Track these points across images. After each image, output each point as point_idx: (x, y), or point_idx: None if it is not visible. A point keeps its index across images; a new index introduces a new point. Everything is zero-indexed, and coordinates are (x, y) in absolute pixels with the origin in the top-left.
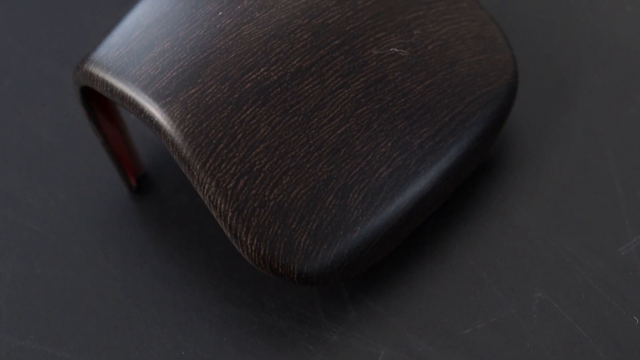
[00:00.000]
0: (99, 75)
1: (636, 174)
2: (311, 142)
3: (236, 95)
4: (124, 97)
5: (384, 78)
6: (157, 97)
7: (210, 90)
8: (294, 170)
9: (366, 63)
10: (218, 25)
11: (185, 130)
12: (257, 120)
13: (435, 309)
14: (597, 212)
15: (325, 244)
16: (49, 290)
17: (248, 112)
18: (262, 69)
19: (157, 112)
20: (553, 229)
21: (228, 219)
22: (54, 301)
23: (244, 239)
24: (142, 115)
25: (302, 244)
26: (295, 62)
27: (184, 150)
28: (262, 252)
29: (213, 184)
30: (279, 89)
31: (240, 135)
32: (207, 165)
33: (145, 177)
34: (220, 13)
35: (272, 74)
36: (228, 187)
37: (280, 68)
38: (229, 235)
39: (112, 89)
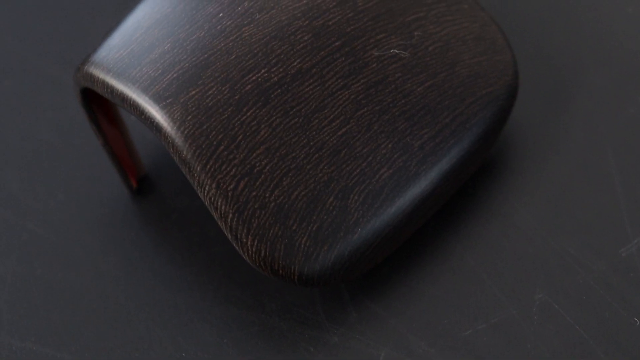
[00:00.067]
0: (100, 77)
1: (637, 174)
2: (312, 143)
3: (237, 97)
4: (124, 99)
5: (384, 79)
6: (158, 99)
7: (210, 91)
8: (295, 172)
9: (367, 64)
10: (219, 27)
11: (185, 132)
12: (258, 121)
13: (436, 310)
14: (597, 213)
15: (325, 246)
16: (49, 292)
17: (248, 113)
18: (263, 71)
19: (157, 114)
20: (554, 230)
21: (229, 220)
22: (55, 302)
23: (245, 240)
24: (143, 117)
25: (302, 246)
26: (295, 63)
27: (185, 152)
28: (262, 254)
29: (214, 185)
30: (279, 91)
31: (240, 136)
32: (208, 166)
33: (146, 179)
34: (220, 14)
35: (273, 76)
36: (229, 189)
37: (281, 69)
38: (229, 236)
39: (112, 90)
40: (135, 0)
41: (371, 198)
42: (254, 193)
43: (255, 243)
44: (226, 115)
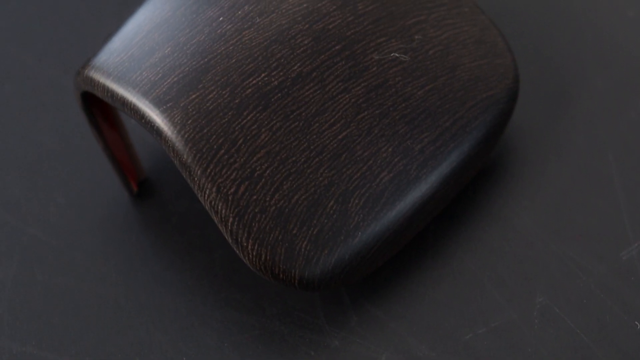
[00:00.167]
0: (100, 81)
1: (638, 178)
2: (312, 147)
3: (237, 101)
4: (124, 103)
5: (384, 83)
6: (158, 103)
7: (211, 95)
8: (295, 176)
9: (367, 68)
10: (219, 31)
11: (186, 136)
12: (258, 125)
13: (437, 314)
14: (598, 216)
15: (326, 250)
16: (49, 296)
17: (249, 117)
18: (263, 75)
19: (158, 118)
20: (554, 233)
21: (229, 224)
22: (55, 307)
23: (245, 244)
24: (143, 121)
25: (303, 250)
26: (296, 67)
27: (185, 156)
28: (263, 258)
29: (214, 189)
30: (279, 95)
31: (241, 140)
32: (208, 170)
33: (146, 182)
34: (221, 18)
35: (273, 80)
36: (229, 193)
37: (281, 73)
38: (230, 240)
39: (113, 94)
40: (135, 4)
41: (372, 202)
42: (255, 197)
43: (256, 247)
44: (226, 119)
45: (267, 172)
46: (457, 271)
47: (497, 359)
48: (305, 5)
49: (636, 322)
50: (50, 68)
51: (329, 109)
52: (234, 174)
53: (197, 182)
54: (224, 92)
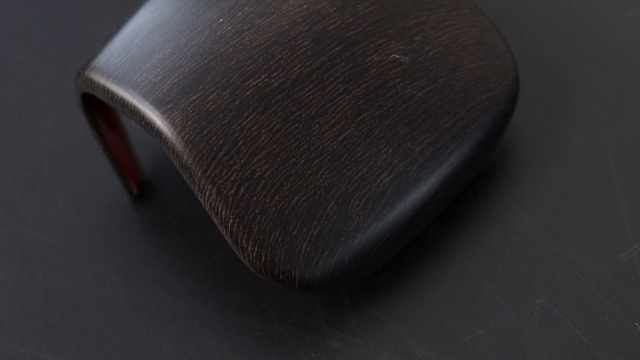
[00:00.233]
0: (100, 82)
1: (638, 179)
2: (312, 148)
3: (237, 102)
4: (124, 104)
5: (384, 84)
6: (158, 104)
7: (211, 97)
8: (295, 177)
9: (367, 69)
10: (219, 32)
11: (186, 137)
12: (258, 127)
13: (437, 315)
14: (598, 218)
15: (326, 251)
16: (50, 297)
17: (249, 118)
18: (263, 76)
19: (158, 119)
20: (554, 235)
21: (229, 225)
22: (55, 308)
23: (245, 245)
24: (143, 122)
25: (303, 251)
26: (296, 68)
27: (185, 157)
28: (263, 259)
29: (214, 190)
30: (279, 96)
31: (241, 142)
32: (208, 172)
33: (146, 184)
34: (221, 20)
35: (273, 81)
36: (229, 194)
37: (281, 75)
38: (230, 242)
39: (113, 95)
40: (135, 5)
41: (372, 203)
42: (255, 198)
43: (256, 248)
44: (227, 121)
45: (267, 173)
46: (457, 272)
47: None
48: (305, 6)
49: (636, 324)
50: (51, 69)
51: (329, 111)
52: (234, 176)
53: (197, 183)
54: (224, 94)
